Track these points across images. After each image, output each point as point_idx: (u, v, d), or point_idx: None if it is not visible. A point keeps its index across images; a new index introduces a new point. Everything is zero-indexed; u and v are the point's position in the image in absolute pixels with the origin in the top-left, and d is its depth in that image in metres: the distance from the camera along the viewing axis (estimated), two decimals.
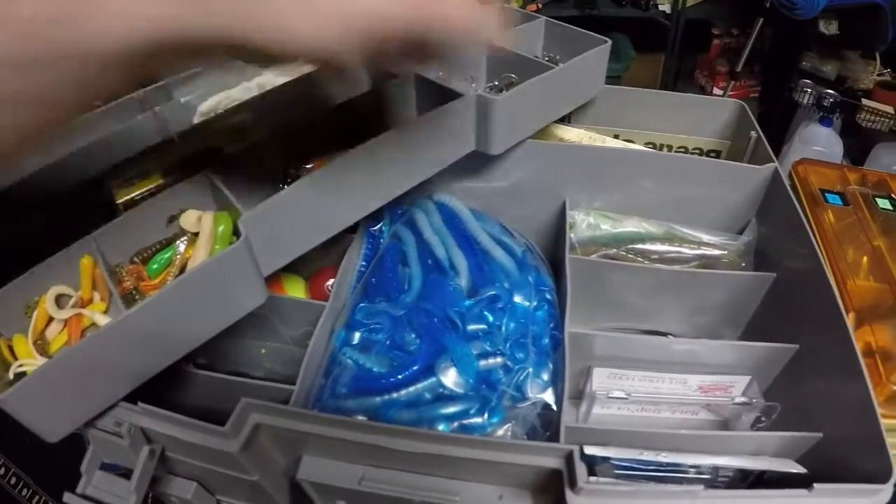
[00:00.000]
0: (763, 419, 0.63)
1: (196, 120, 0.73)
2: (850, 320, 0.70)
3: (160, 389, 0.53)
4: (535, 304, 0.66)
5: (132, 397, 0.51)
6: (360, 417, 0.57)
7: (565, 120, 0.81)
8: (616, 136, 0.82)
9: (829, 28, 1.63)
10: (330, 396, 0.60)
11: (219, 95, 0.74)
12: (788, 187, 0.68)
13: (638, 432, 0.55)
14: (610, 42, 0.74)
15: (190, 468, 0.56)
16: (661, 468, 0.52)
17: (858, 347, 0.67)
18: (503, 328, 0.63)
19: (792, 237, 0.66)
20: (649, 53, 2.22)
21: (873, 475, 0.48)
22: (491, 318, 0.64)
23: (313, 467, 0.53)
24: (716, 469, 0.52)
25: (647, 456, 0.51)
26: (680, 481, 0.53)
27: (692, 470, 0.52)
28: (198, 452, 0.52)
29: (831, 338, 0.57)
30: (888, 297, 0.73)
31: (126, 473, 0.51)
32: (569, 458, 0.47)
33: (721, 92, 2.03)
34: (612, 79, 1.97)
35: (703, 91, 2.20)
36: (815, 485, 0.45)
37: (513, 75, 0.74)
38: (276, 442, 0.53)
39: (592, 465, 0.50)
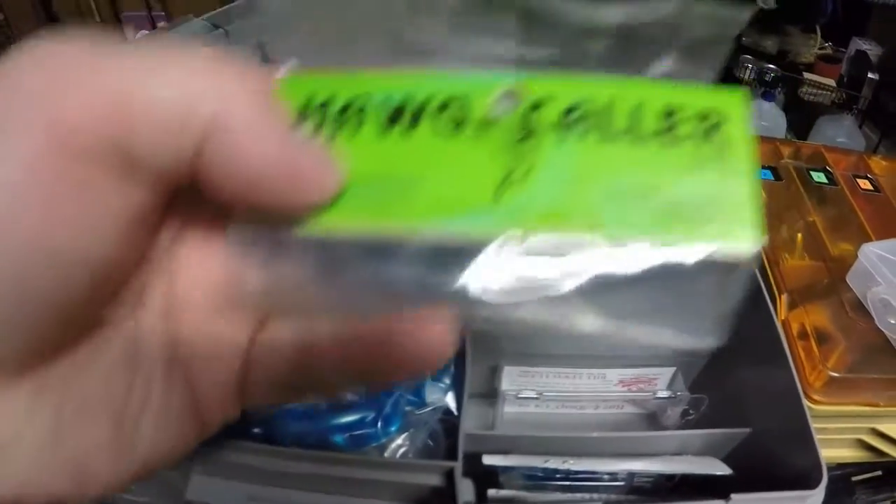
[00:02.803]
0: (691, 412, 0.59)
1: None
2: (782, 302, 0.66)
3: None
4: None
5: None
6: (255, 430, 0.54)
7: None
8: None
9: (766, 2, 1.61)
10: None
11: None
12: None
13: (546, 437, 0.50)
14: None
15: None
16: (572, 476, 0.47)
17: (793, 329, 0.64)
18: None
19: None
20: None
21: (804, 474, 0.44)
22: None
23: (202, 487, 0.50)
24: (631, 475, 0.48)
25: (553, 464, 0.47)
26: (594, 489, 0.49)
27: (606, 476, 0.48)
28: None
29: (756, 323, 0.53)
30: (823, 275, 0.69)
31: None
32: (449, 475, 0.43)
33: None
34: None
35: None
36: (732, 495, 0.41)
37: None
38: None
39: (496, 475, 0.46)
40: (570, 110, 0.21)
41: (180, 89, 0.18)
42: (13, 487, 0.20)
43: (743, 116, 0.21)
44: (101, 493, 0.22)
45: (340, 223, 0.21)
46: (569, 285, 0.20)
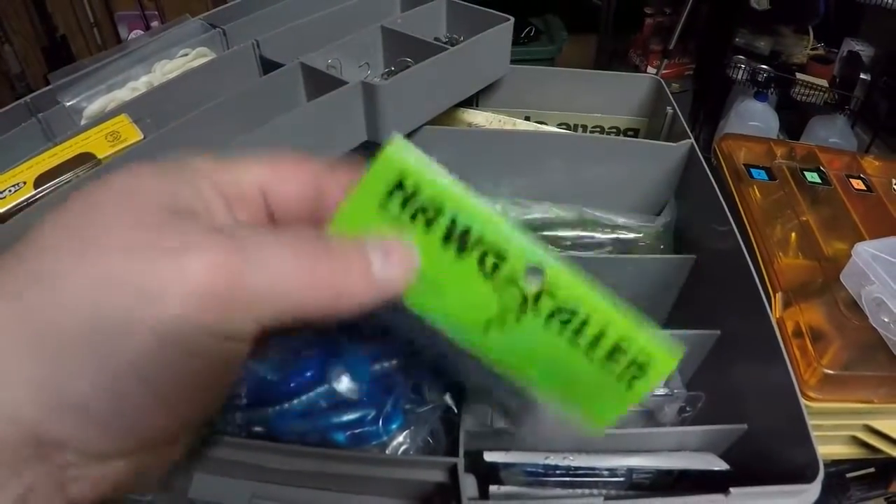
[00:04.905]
0: (688, 409, 0.60)
1: (83, 123, 0.68)
2: (777, 301, 0.67)
3: None
4: None
5: None
6: (256, 429, 0.54)
7: (473, 104, 0.77)
8: (527, 118, 0.78)
9: (759, 4, 1.62)
10: (230, 407, 0.55)
11: (105, 97, 0.70)
12: (714, 164, 0.65)
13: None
14: (512, 20, 0.70)
15: None
16: (572, 472, 0.48)
17: (788, 328, 0.64)
18: None
19: (711, 216, 0.63)
20: (583, 34, 2.19)
21: (800, 469, 0.44)
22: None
23: (205, 485, 0.50)
24: (630, 471, 0.49)
25: (553, 460, 0.47)
26: (594, 485, 0.49)
27: (606, 472, 0.49)
28: None
29: (751, 321, 0.53)
30: (818, 274, 0.70)
31: None
32: (452, 470, 0.43)
33: (655, 71, 2.01)
34: (546, 61, 1.96)
35: (638, 70, 2.18)
36: (731, 489, 0.42)
37: (409, 59, 0.70)
38: None
39: (497, 471, 0.47)
40: (564, 308, 0.28)
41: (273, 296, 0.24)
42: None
43: (667, 371, 0.29)
44: None
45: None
46: None
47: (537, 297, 0.28)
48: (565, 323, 0.28)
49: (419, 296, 0.28)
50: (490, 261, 0.27)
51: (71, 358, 0.22)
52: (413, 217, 0.27)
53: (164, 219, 0.24)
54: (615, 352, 0.29)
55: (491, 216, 0.27)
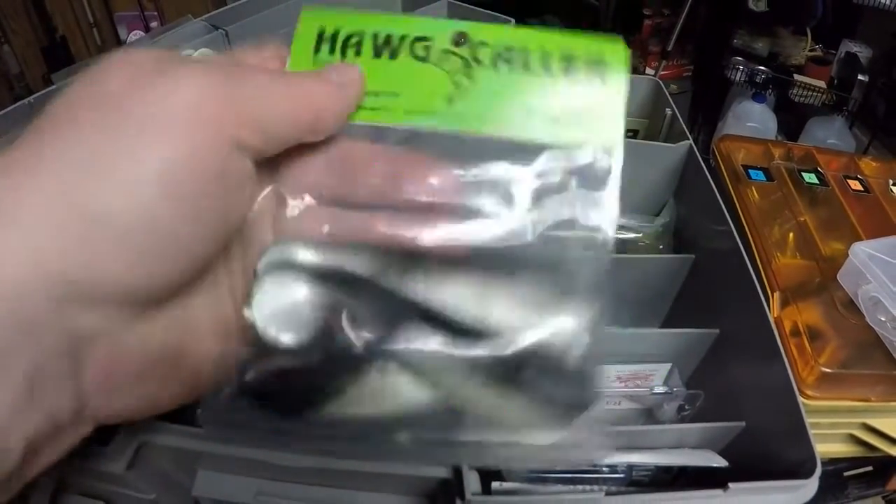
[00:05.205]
0: (687, 407, 0.60)
1: None
2: (775, 300, 0.67)
3: None
4: None
5: None
6: (259, 427, 0.54)
7: None
8: None
9: (757, 5, 1.62)
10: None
11: None
12: (713, 165, 0.66)
13: None
14: (512, 21, 0.71)
15: (97, 487, 0.53)
16: (573, 469, 0.48)
17: (786, 327, 0.65)
18: None
19: (709, 217, 0.63)
20: None
21: (798, 466, 0.45)
22: None
23: (209, 483, 0.50)
24: (630, 467, 0.49)
25: None
26: (595, 481, 0.50)
27: (606, 469, 0.49)
28: (89, 472, 0.49)
29: (750, 320, 0.54)
30: (815, 274, 0.71)
31: None
32: (456, 467, 0.44)
33: (653, 72, 2.01)
34: None
35: (637, 71, 2.18)
36: (730, 484, 0.42)
37: None
38: (169, 458, 0.50)
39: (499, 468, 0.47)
40: (501, 52, 0.31)
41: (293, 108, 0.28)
42: (148, 394, 0.29)
43: (622, 59, 0.31)
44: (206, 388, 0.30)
45: (354, 119, 0.30)
46: None
47: (474, 55, 0.31)
48: (510, 62, 0.31)
49: (382, 108, 0.30)
50: (419, 47, 0.31)
51: (99, 171, 0.24)
52: (343, 54, 0.31)
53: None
54: (568, 62, 0.31)
55: (399, 18, 0.32)
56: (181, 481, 0.52)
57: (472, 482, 0.43)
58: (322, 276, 0.30)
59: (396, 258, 0.30)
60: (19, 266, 0.22)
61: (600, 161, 0.30)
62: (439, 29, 0.31)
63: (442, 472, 0.44)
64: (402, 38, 0.31)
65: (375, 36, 0.31)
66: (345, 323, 0.30)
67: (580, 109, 0.30)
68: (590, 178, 0.30)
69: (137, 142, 0.25)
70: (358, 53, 0.31)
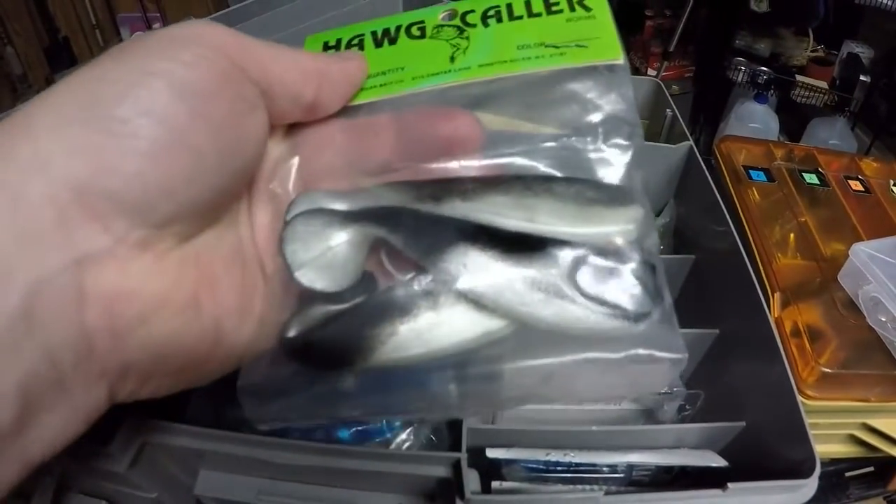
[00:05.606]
0: (687, 407, 0.61)
1: None
2: (776, 300, 0.67)
3: None
4: None
5: None
6: (261, 426, 0.54)
7: None
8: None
9: (759, 6, 1.62)
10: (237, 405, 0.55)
11: None
12: (714, 166, 0.66)
13: (548, 430, 0.51)
14: None
15: (99, 486, 0.53)
16: (573, 468, 0.49)
17: (786, 327, 0.65)
18: None
19: (710, 217, 0.64)
20: None
21: (798, 466, 0.45)
22: None
23: (211, 482, 0.51)
24: (630, 467, 0.49)
25: (554, 456, 0.48)
26: (594, 481, 0.50)
27: (606, 469, 0.49)
28: (91, 471, 0.49)
29: (750, 321, 0.54)
30: (816, 274, 0.71)
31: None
32: (456, 465, 0.44)
33: (655, 73, 2.01)
34: None
35: (638, 72, 2.18)
36: (729, 484, 0.42)
37: None
38: (171, 457, 0.50)
39: (499, 467, 0.47)
40: (486, 11, 0.35)
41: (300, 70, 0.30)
42: (159, 347, 0.27)
43: None
44: (228, 356, 0.30)
45: (367, 97, 0.33)
46: None
47: (465, 21, 0.35)
48: (498, 16, 0.35)
49: (391, 82, 0.33)
50: (415, 29, 0.35)
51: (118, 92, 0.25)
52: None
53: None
54: (550, 3, 0.35)
55: (392, 16, 0.36)
56: (183, 480, 0.52)
57: (471, 481, 0.43)
58: (354, 217, 0.29)
59: (428, 189, 0.30)
60: (21, 172, 0.22)
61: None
62: (430, 13, 0.36)
63: (442, 472, 0.44)
64: (398, 27, 0.36)
65: (374, 33, 0.36)
66: (385, 260, 0.30)
67: (573, 33, 0.33)
68: (601, 84, 0.32)
69: (153, 61, 0.26)
70: (361, 49, 0.35)
